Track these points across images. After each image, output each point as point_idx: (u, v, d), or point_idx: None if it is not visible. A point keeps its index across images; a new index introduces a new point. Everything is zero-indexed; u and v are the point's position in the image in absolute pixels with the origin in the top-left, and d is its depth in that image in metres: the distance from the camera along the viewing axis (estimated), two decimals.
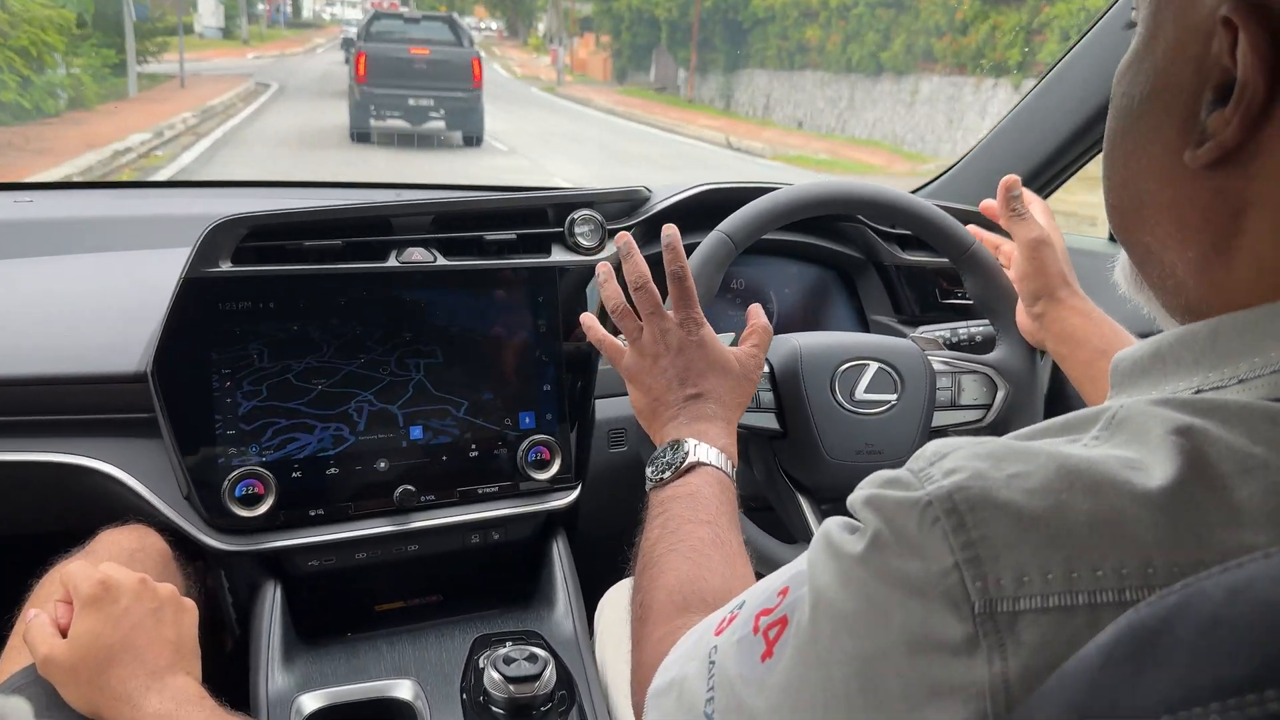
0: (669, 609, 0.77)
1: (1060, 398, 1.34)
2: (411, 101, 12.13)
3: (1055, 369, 1.38)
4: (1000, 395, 1.21)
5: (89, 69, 12.52)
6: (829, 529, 0.51)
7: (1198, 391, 0.48)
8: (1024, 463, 0.45)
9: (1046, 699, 0.40)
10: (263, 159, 10.91)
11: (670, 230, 1.00)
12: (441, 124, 12.68)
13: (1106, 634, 0.39)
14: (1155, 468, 0.43)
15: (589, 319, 1.05)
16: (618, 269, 1.29)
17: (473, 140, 12.56)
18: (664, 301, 1.00)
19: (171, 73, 16.33)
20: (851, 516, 0.51)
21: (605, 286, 1.03)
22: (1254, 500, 0.41)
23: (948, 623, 0.43)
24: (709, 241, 1.14)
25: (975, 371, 1.22)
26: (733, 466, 0.94)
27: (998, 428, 1.20)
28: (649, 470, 0.94)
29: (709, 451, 0.92)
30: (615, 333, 1.04)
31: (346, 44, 18.28)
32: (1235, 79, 0.45)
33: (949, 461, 0.46)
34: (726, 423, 0.97)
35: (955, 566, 0.43)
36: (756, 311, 1.06)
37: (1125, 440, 0.46)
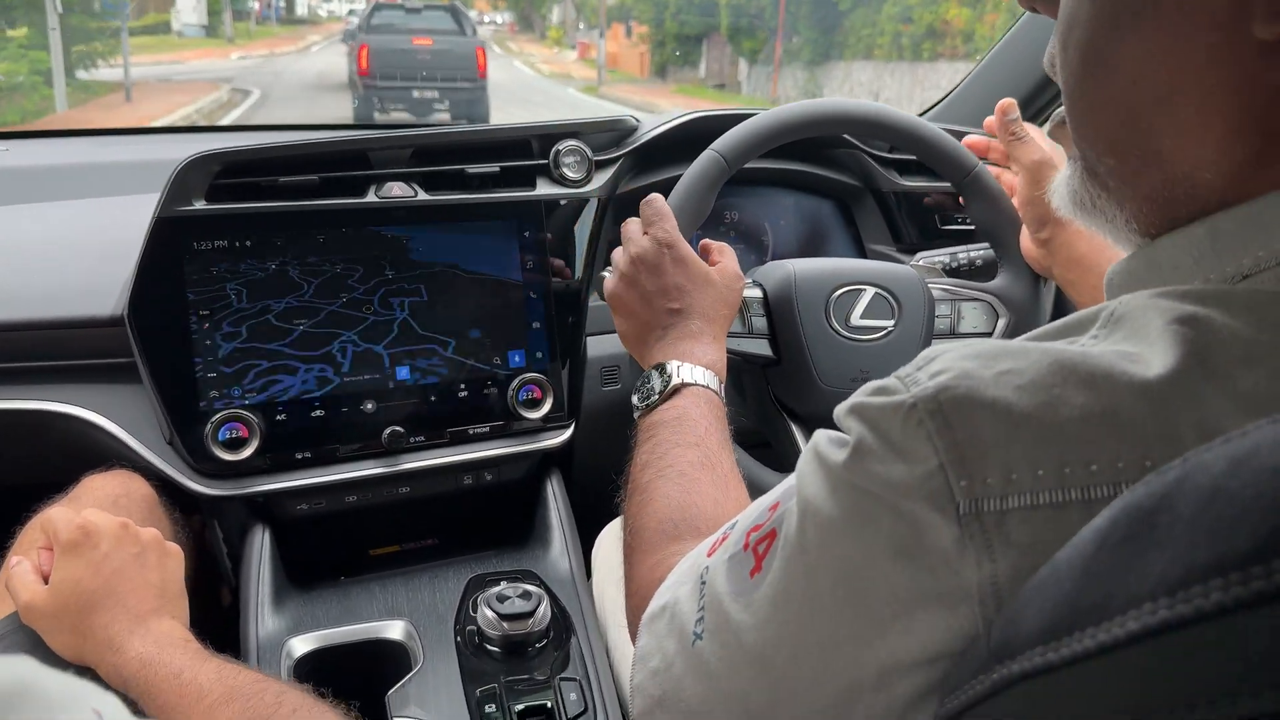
0: (659, 537, 0.76)
1: None
2: (416, 94, 12.06)
3: (1059, 296, 1.34)
4: (1001, 323, 1.17)
5: (14, 76, 10.06)
6: (817, 440, 0.49)
7: None
8: (1016, 360, 0.42)
9: (1038, 592, 0.38)
10: None
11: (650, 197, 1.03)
12: (446, 115, 12.64)
13: (1101, 518, 0.36)
14: (1155, 359, 0.40)
15: None
16: (607, 204, 1.27)
17: None
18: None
19: (142, 77, 13.46)
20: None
21: None
22: (1259, 388, 0.39)
23: (934, 525, 0.41)
24: (701, 160, 1.11)
25: (976, 299, 1.18)
26: (720, 382, 0.92)
27: None
28: (634, 398, 0.93)
29: (694, 371, 0.91)
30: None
31: (349, 36, 17.45)
32: None
33: (937, 364, 0.44)
34: (713, 338, 0.95)
35: (940, 468, 0.41)
36: (707, 242, 1.08)
37: (1125, 335, 0.43)
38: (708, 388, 0.91)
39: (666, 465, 0.82)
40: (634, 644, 0.64)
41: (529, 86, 20.89)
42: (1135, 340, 0.42)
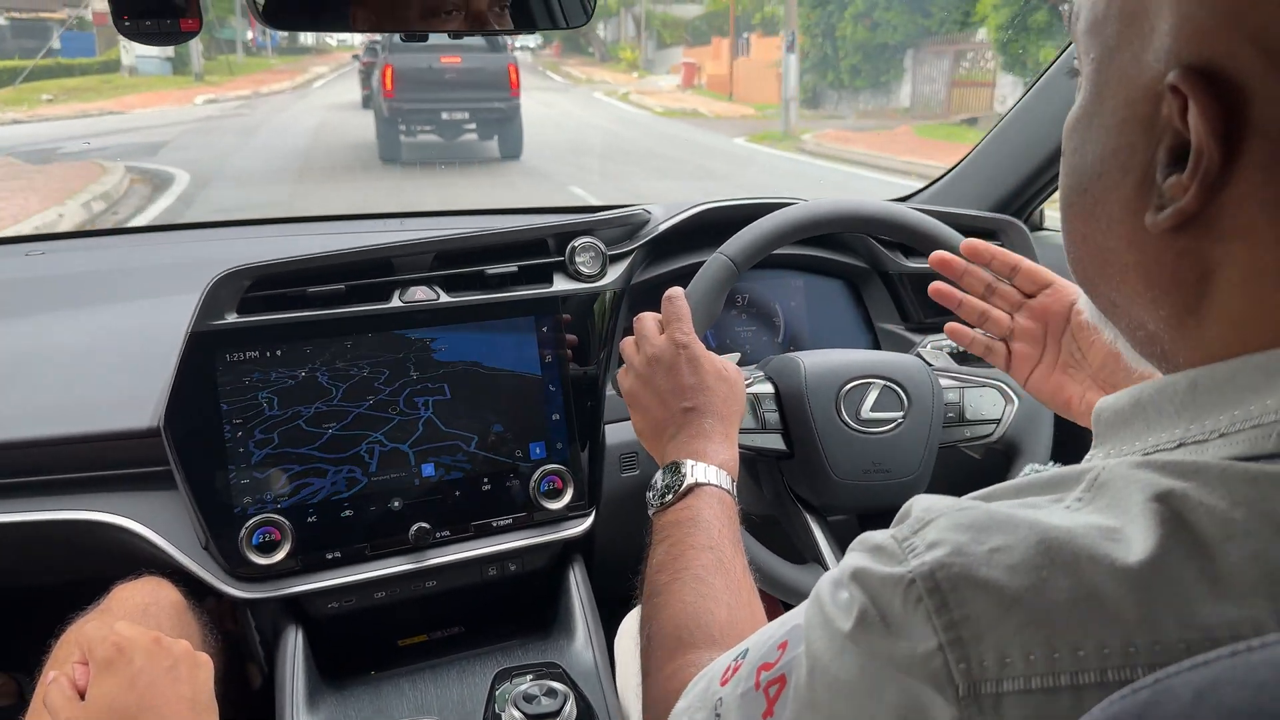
0: (674, 644, 0.79)
1: None
2: (445, 115, 11.75)
3: None
4: (1009, 410, 1.20)
5: None
6: (821, 594, 0.52)
7: (1180, 444, 0.48)
8: (1005, 535, 0.45)
9: None
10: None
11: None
12: (474, 137, 12.50)
13: None
14: (1135, 539, 0.43)
15: None
16: (622, 296, 1.31)
17: (511, 154, 12.28)
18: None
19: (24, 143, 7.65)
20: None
21: None
22: (1236, 569, 0.41)
23: (935, 703, 0.44)
24: (710, 265, 1.15)
25: (983, 386, 1.20)
26: (733, 481, 0.96)
27: (1007, 442, 1.19)
28: (649, 495, 0.97)
29: (708, 471, 0.94)
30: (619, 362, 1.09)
31: (367, 52, 16.03)
32: (1188, 142, 0.44)
33: (932, 532, 0.47)
34: (725, 437, 0.99)
35: (939, 648, 0.44)
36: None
37: (1106, 505, 0.46)
38: (720, 487, 0.94)
39: (682, 568, 0.85)
40: None
41: (643, 130, 13.79)
42: (1116, 513, 0.45)
